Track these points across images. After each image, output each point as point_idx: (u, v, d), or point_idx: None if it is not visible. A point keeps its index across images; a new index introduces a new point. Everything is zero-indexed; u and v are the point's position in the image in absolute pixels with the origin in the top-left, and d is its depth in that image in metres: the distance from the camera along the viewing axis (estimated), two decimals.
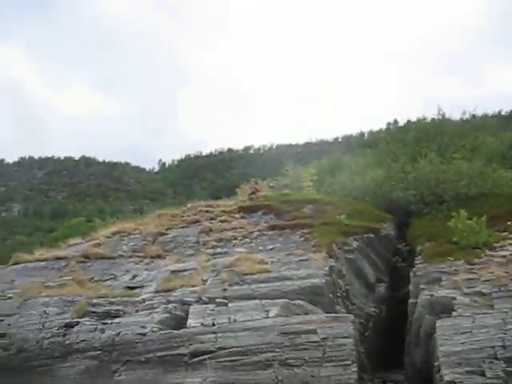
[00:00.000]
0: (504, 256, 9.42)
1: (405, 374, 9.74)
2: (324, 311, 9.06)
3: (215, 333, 8.53)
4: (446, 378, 7.12)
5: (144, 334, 8.79)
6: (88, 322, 9.48)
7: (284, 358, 7.92)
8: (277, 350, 8.03)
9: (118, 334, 8.92)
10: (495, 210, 10.88)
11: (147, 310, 9.56)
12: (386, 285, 11.47)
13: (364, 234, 11.57)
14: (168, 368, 8.32)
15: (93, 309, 9.88)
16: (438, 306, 8.51)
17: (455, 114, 17.73)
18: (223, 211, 13.27)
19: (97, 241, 13.10)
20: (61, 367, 8.68)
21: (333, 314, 8.66)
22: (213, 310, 9.10)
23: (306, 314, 8.89)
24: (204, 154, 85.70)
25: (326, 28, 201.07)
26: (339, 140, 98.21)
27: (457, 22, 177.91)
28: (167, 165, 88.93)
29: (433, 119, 17.02)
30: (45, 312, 9.80)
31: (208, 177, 74.10)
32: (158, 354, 8.46)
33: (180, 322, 9.14)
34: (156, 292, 10.16)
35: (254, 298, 9.24)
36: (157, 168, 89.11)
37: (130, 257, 12.13)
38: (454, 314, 8.05)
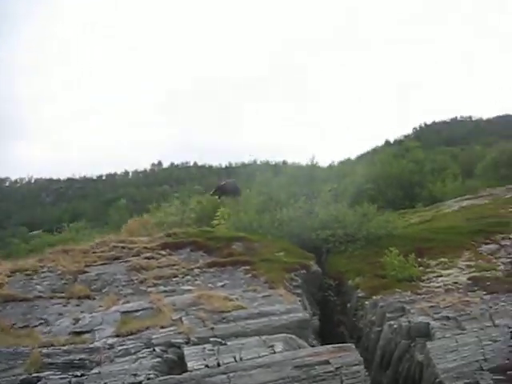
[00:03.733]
0: (439, 287, 11.64)
1: None
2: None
3: (225, 373, 8.52)
4: None
5: (140, 383, 8.28)
6: (55, 376, 8.45)
7: None
8: (295, 383, 8.50)
9: None
10: (405, 248, 13.12)
11: (126, 356, 8.95)
12: (318, 317, 12.66)
13: (300, 271, 12.69)
14: None
15: (49, 360, 8.79)
16: (414, 330, 10.11)
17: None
18: (145, 247, 12.89)
19: None
20: None
21: (336, 345, 9.45)
22: (212, 350, 9.02)
23: (306, 347, 9.56)
24: None
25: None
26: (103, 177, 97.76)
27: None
28: None
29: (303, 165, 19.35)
30: None
31: None
32: None
33: (172, 367, 8.85)
34: (118, 336, 9.54)
35: (248, 335, 9.50)
36: None
37: (51, 298, 10.96)
38: (438, 336, 9.72)
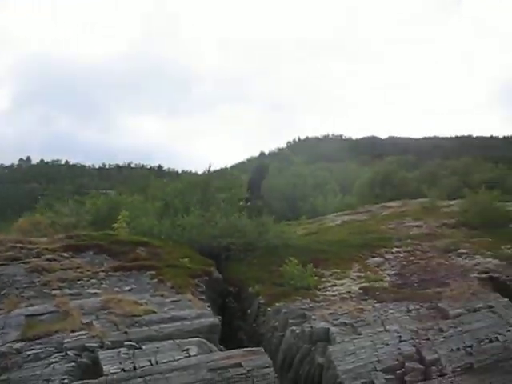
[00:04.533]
0: (334, 295, 12.69)
1: None
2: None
3: (142, 377, 8.68)
4: None
5: None
6: None
7: None
8: None
9: None
10: (301, 258, 14.04)
11: (36, 361, 8.75)
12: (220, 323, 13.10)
13: (203, 277, 13.09)
14: None
15: None
16: (316, 335, 10.97)
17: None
18: (46, 249, 12.44)
19: None
20: None
21: (247, 348, 9.98)
22: (127, 353, 9.09)
23: (216, 351, 9.98)
24: None
25: None
26: None
27: None
28: None
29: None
30: None
31: None
32: None
33: (86, 371, 8.80)
34: (24, 340, 9.26)
35: (162, 339, 9.71)
36: None
37: None
38: (338, 340, 10.65)
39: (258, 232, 15.24)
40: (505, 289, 13.17)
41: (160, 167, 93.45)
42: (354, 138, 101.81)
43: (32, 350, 8.95)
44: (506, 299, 12.52)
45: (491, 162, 39.02)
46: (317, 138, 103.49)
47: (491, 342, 10.95)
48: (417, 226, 19.47)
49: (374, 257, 15.56)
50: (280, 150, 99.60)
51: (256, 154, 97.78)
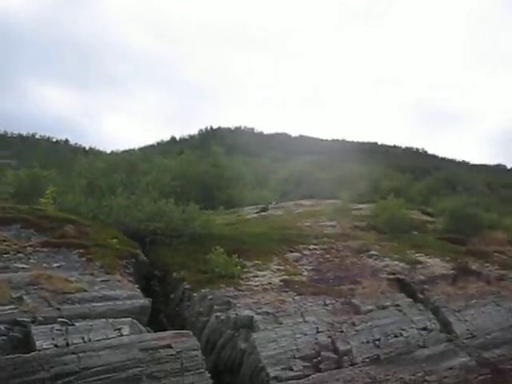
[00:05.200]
0: (257, 286, 13.37)
1: None
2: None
3: (75, 353, 8.87)
4: (271, 375, 10.27)
5: None
6: None
7: (149, 371, 9.15)
8: (141, 364, 9.18)
9: None
10: (225, 248, 14.43)
11: None
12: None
13: (131, 259, 13.30)
14: None
15: None
16: (240, 322, 11.58)
17: None
18: None
19: None
20: None
21: (176, 331, 10.42)
22: (60, 330, 9.22)
23: (149, 331, 10.33)
24: None
25: None
26: None
27: None
28: None
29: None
30: None
31: None
32: (13, 381, 8.14)
33: (17, 346, 8.84)
34: None
35: (94, 317, 9.90)
36: None
37: None
38: (261, 328, 11.34)
39: (184, 219, 15.56)
40: (409, 290, 14.53)
41: (66, 141, 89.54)
42: (265, 132, 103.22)
43: None
44: (410, 299, 13.87)
45: (395, 170, 41.94)
46: (229, 129, 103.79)
47: (396, 336, 12.15)
48: (331, 226, 20.65)
49: (292, 252, 16.42)
50: (191, 136, 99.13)
51: (167, 137, 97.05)
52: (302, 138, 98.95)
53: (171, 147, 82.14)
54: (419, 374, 10.99)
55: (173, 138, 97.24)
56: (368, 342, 11.75)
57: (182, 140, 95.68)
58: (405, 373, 11.03)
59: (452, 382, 10.89)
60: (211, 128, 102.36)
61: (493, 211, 26.42)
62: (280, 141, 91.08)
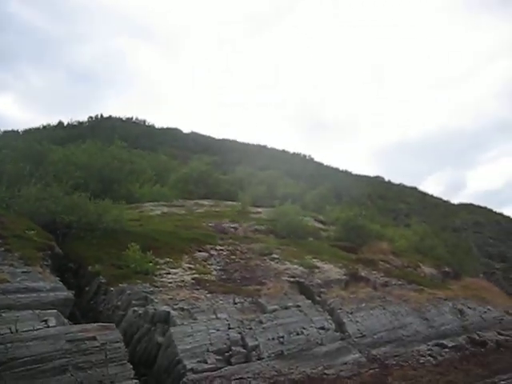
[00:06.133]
0: (170, 283, 14.03)
1: None
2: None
3: (3, 343, 9.11)
4: (188, 367, 11.03)
5: None
6: None
7: (76, 362, 9.59)
8: (68, 355, 9.59)
9: None
10: (137, 244, 15.05)
11: None
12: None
13: (47, 251, 13.39)
14: None
15: None
16: (157, 317, 12.21)
17: None
18: None
19: None
20: None
21: (101, 323, 10.84)
22: None
23: (71, 323, 10.67)
24: None
25: None
26: None
27: None
28: None
29: None
30: None
31: None
32: None
33: None
34: None
35: (19, 309, 10.10)
36: None
37: None
38: (178, 323, 12.05)
39: (98, 213, 15.78)
40: (308, 292, 15.94)
41: None
42: (156, 126, 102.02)
43: None
44: (310, 301, 15.26)
45: (285, 175, 43.98)
46: (120, 119, 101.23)
47: (298, 334, 13.40)
48: (233, 228, 21.71)
49: (200, 251, 17.22)
50: (80, 123, 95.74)
51: (54, 122, 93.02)
52: (193, 134, 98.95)
53: (58, 132, 79.19)
54: (319, 368, 12.27)
55: (60, 123, 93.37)
56: (273, 338, 12.86)
57: (70, 126, 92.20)
58: (306, 367, 12.24)
59: (347, 374, 12.28)
60: (101, 116, 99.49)
61: (375, 222, 28.93)
62: (170, 135, 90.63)
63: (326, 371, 12.21)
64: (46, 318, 10.02)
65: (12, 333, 9.33)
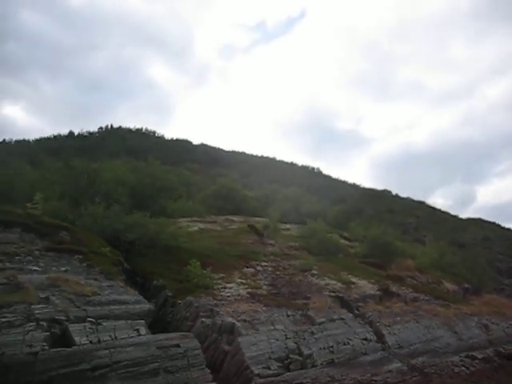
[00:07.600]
0: (229, 296, 15.27)
1: None
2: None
3: (107, 349, 10.35)
4: (255, 372, 12.23)
5: (36, 353, 9.41)
6: None
7: (165, 366, 10.76)
8: (158, 360, 10.79)
9: (2, 354, 9.10)
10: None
11: (10, 328, 9.65)
12: None
13: (120, 266, 14.67)
14: (74, 383, 9.61)
15: None
16: (224, 328, 13.43)
17: None
18: None
19: None
20: None
21: (180, 333, 12.10)
22: (91, 328, 10.61)
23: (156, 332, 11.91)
24: None
25: None
26: None
27: None
28: None
29: None
30: None
31: None
32: (61, 371, 9.50)
33: (56, 341, 10.06)
34: None
35: (114, 319, 11.35)
36: None
37: None
38: (243, 333, 13.27)
39: (157, 232, 17.05)
40: (348, 306, 17.13)
41: None
42: (166, 137, 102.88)
43: (5, 317, 9.83)
44: (351, 314, 16.45)
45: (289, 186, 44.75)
46: (129, 130, 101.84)
47: (345, 344, 14.58)
48: (270, 244, 22.94)
49: (247, 267, 18.43)
50: (90, 133, 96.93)
51: (65, 132, 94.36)
52: (203, 146, 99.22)
53: (71, 143, 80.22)
54: (368, 375, 13.41)
55: (71, 133, 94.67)
56: (324, 348, 14.03)
57: (81, 136, 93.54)
58: (356, 374, 13.36)
59: (393, 381, 13.41)
60: (111, 126, 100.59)
61: (398, 239, 30.07)
62: (180, 147, 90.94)
63: (373, 378, 13.36)
64: (137, 328, 11.22)
65: (112, 340, 10.52)
